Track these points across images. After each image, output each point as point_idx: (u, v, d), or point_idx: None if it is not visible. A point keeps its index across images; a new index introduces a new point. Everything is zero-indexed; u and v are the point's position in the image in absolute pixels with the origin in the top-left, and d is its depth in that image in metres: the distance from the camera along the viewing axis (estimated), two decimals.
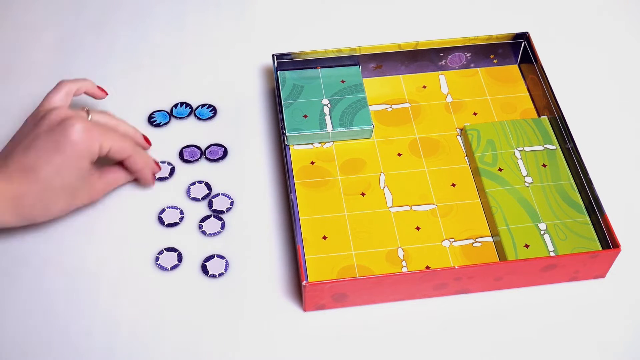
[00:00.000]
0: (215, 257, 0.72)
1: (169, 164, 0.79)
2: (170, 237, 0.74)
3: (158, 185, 0.77)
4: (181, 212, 0.75)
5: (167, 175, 0.78)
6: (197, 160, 0.79)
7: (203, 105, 0.84)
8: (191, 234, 0.74)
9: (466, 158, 0.79)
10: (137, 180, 0.77)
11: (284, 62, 0.82)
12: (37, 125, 0.70)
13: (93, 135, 0.69)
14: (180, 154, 0.80)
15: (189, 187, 0.77)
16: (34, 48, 0.89)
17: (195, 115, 0.83)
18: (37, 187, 0.68)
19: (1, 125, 0.80)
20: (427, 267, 0.71)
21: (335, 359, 0.67)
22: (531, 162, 0.76)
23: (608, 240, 0.70)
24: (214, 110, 0.83)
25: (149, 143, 0.78)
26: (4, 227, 0.68)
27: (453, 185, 0.77)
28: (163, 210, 0.75)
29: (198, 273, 0.72)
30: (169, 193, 0.77)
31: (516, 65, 0.87)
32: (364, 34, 0.89)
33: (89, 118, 0.71)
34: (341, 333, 0.68)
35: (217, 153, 0.80)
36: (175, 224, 0.75)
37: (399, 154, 0.79)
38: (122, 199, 0.76)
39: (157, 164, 0.77)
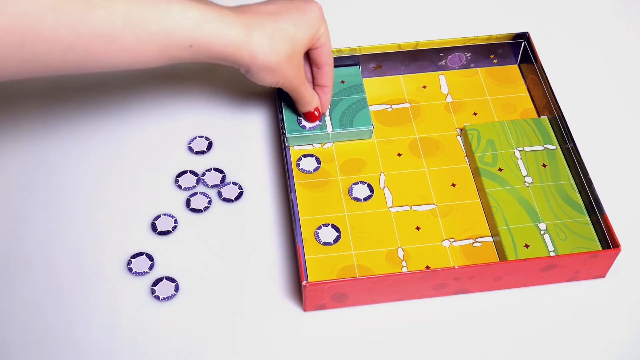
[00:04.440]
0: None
1: (207, 138, 0.80)
2: (168, 239, 0.74)
3: (157, 186, 0.77)
4: (175, 221, 0.74)
5: (204, 149, 0.79)
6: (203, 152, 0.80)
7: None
8: (188, 235, 0.74)
9: (466, 158, 0.79)
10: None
11: None
12: None
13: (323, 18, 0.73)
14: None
15: (188, 198, 0.77)
16: None
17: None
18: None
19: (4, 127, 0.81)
20: (427, 267, 0.71)
21: (335, 359, 0.67)
22: (531, 162, 0.76)
23: (608, 240, 0.70)
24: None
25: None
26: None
27: (453, 185, 0.77)
28: (158, 217, 0.75)
29: (198, 272, 0.72)
30: (165, 200, 0.77)
31: (516, 65, 0.87)
32: (364, 34, 0.89)
33: None
34: (341, 333, 0.68)
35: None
36: (167, 232, 0.74)
37: (399, 154, 0.79)
38: (121, 200, 0.76)
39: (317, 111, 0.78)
